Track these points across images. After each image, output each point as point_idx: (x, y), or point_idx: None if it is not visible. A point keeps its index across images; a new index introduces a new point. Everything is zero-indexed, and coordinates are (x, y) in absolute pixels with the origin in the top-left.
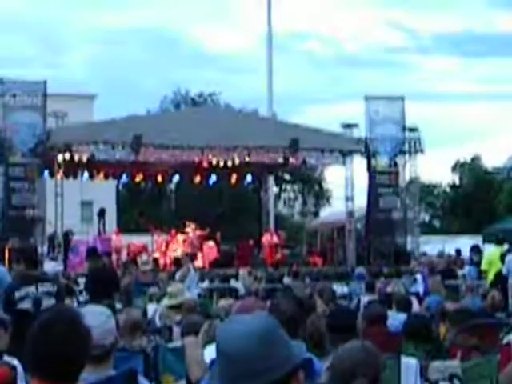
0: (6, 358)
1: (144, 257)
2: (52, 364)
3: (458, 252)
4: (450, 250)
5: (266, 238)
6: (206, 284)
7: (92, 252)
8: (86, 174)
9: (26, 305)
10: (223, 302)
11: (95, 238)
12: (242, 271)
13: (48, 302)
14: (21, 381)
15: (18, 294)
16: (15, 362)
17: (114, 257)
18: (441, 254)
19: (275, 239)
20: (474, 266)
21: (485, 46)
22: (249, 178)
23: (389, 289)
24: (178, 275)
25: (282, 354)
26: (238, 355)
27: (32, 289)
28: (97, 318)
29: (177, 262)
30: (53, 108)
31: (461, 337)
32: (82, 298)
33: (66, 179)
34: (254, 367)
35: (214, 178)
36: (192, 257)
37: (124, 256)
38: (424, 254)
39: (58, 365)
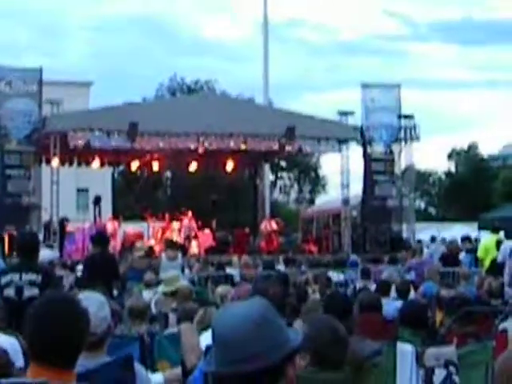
0: (3, 336)
1: (138, 244)
2: (50, 346)
3: (432, 239)
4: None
5: (264, 225)
6: (201, 271)
7: (100, 239)
8: (81, 161)
9: (10, 292)
10: (220, 289)
11: (91, 225)
12: (235, 258)
13: (30, 292)
14: (19, 359)
15: (3, 280)
16: (11, 340)
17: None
18: (453, 241)
19: (274, 226)
20: (468, 254)
21: (482, 34)
22: (245, 165)
23: (384, 275)
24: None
25: (278, 339)
26: (234, 339)
27: (16, 276)
28: (91, 305)
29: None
30: (48, 95)
31: (457, 324)
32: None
33: (61, 166)
34: (250, 351)
35: (209, 165)
36: (171, 244)
37: (119, 243)
38: (419, 241)
39: (57, 347)
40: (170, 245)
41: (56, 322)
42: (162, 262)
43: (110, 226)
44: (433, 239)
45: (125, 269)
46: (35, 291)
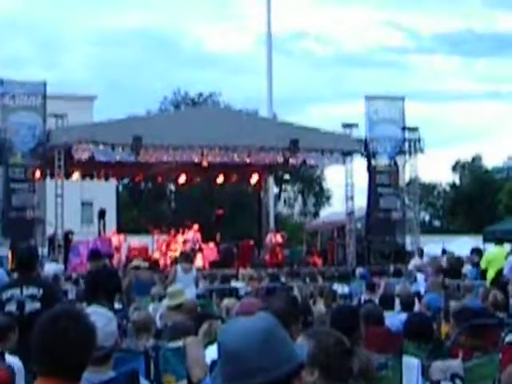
0: (10, 358)
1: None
2: (56, 361)
3: (443, 251)
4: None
5: (269, 239)
6: (206, 284)
7: (94, 254)
8: (86, 174)
9: (11, 307)
10: (226, 302)
11: (95, 238)
12: (242, 272)
13: (32, 306)
14: (20, 380)
15: (4, 296)
16: (16, 361)
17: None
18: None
19: (279, 239)
20: (474, 267)
21: (484, 46)
22: (249, 178)
23: (397, 289)
24: (168, 280)
25: (283, 353)
26: (239, 354)
27: (17, 291)
28: (98, 319)
29: (176, 263)
30: (52, 109)
31: (463, 336)
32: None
33: (66, 180)
34: (257, 366)
35: (213, 178)
36: (187, 257)
37: (124, 256)
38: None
39: (63, 362)
40: (186, 257)
41: (62, 337)
42: (177, 274)
43: (115, 240)
44: (444, 252)
45: (128, 283)
46: (37, 305)
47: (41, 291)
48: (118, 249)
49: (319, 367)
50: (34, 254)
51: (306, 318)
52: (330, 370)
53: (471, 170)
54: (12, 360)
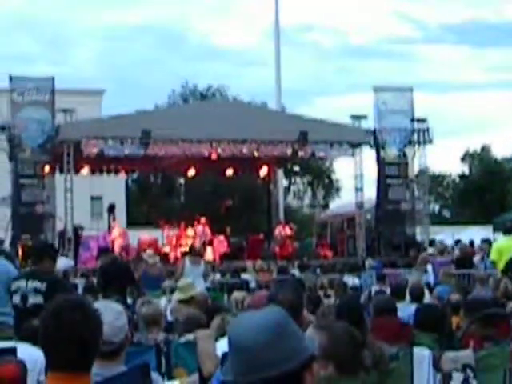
0: (29, 348)
1: (148, 253)
2: (64, 348)
3: (472, 244)
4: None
5: (278, 231)
6: (217, 277)
7: (103, 250)
8: (95, 169)
9: (16, 299)
10: (236, 294)
11: (105, 233)
12: (250, 264)
13: (34, 299)
14: (40, 374)
15: (12, 287)
16: (38, 353)
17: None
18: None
19: (288, 231)
20: (485, 257)
21: (493, 35)
22: (258, 171)
23: (410, 279)
24: (177, 273)
25: (294, 346)
26: (250, 347)
27: (23, 284)
28: (108, 314)
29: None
30: (61, 104)
31: (474, 326)
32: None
33: (75, 175)
34: (267, 359)
35: (223, 171)
36: (195, 250)
37: (133, 250)
38: (432, 241)
39: (70, 349)
40: (194, 250)
41: (68, 324)
42: (186, 268)
43: (115, 233)
44: (457, 242)
45: (138, 277)
46: (39, 299)
47: (44, 285)
48: (113, 242)
49: (333, 361)
50: (44, 249)
51: (317, 309)
52: (343, 363)
53: (480, 160)
54: (27, 350)
